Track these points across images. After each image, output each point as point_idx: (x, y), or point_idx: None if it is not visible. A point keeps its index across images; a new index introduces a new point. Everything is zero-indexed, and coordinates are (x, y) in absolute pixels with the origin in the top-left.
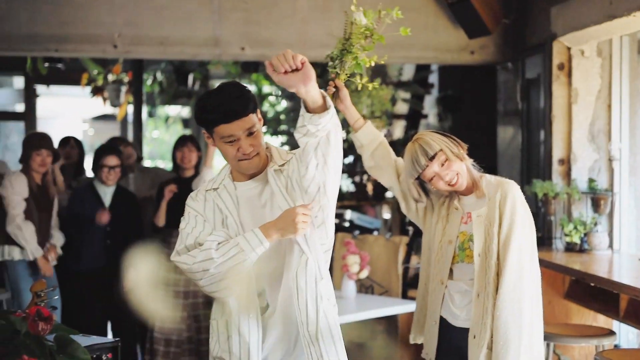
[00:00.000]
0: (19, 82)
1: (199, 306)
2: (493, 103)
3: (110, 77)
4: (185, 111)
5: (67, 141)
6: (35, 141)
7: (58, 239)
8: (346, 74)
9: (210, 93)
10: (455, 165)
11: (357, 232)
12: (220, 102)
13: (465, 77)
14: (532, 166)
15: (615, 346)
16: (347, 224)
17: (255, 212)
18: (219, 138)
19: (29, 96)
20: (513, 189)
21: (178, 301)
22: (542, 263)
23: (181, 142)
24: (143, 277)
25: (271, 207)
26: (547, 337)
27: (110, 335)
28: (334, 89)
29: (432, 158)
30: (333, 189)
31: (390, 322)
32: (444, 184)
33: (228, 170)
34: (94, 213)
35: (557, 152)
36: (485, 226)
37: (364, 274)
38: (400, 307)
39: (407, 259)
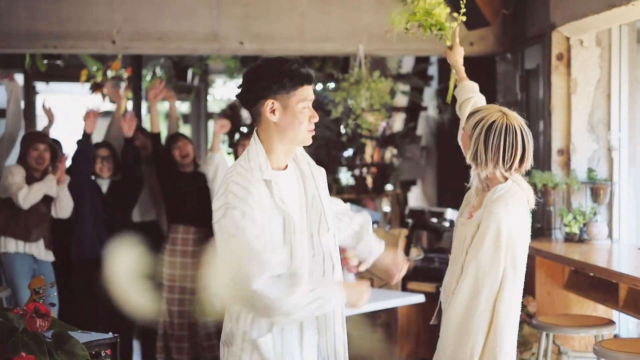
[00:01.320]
0: (18, 79)
1: (194, 302)
2: (492, 94)
3: (110, 74)
4: (184, 106)
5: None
6: (31, 137)
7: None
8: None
9: (277, 59)
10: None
11: None
12: (300, 64)
13: (464, 68)
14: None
15: (615, 336)
16: None
17: (296, 202)
18: (296, 102)
19: (29, 93)
20: (496, 212)
21: (173, 295)
22: (542, 254)
23: (174, 138)
24: (123, 268)
25: (305, 195)
26: (547, 327)
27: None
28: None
29: None
30: None
31: (390, 315)
32: None
33: (264, 159)
34: (91, 203)
35: (557, 143)
36: (462, 234)
37: (364, 267)
38: (400, 300)
39: (406, 251)
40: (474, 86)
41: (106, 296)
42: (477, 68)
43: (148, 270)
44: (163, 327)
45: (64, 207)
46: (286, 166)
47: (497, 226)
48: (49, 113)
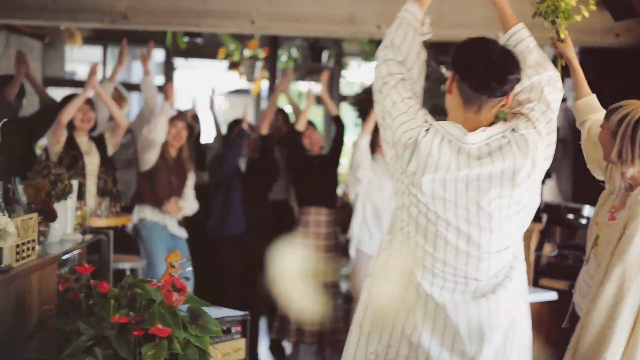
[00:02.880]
0: (158, 55)
1: (338, 296)
2: (637, 88)
3: (247, 53)
4: (317, 88)
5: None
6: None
7: (189, 208)
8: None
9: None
10: None
11: None
12: None
13: (608, 60)
14: None
15: None
16: None
17: None
18: None
19: (168, 69)
20: None
21: (325, 292)
22: None
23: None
24: (289, 269)
25: None
26: None
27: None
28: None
29: None
30: None
31: None
32: None
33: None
34: (232, 180)
35: None
36: (609, 234)
37: None
38: (531, 296)
39: (539, 247)
40: (591, 101)
41: (238, 273)
42: (622, 60)
43: (311, 271)
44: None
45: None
46: None
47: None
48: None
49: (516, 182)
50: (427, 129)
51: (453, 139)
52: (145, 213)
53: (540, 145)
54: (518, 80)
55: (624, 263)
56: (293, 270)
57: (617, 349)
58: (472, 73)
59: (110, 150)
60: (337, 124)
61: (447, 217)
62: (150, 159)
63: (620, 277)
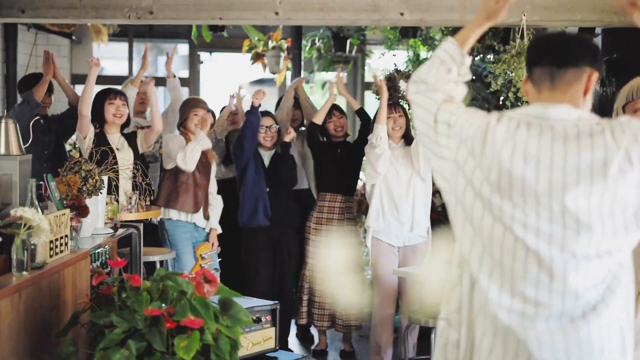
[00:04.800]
0: (183, 49)
1: (363, 283)
2: None
3: (270, 44)
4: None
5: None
6: (192, 102)
7: (217, 204)
8: None
9: None
10: None
11: None
12: None
13: (632, 40)
14: None
15: None
16: None
17: None
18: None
19: (193, 63)
20: None
21: (325, 288)
22: None
23: (329, 112)
24: (339, 263)
25: None
26: None
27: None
28: None
29: None
30: None
31: None
32: None
33: None
34: (255, 173)
35: None
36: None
37: None
38: None
39: None
40: None
41: (267, 263)
42: None
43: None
44: (308, 292)
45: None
46: None
47: None
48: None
49: (608, 175)
50: (499, 118)
51: (533, 119)
52: (172, 215)
53: None
54: (588, 56)
55: None
56: (336, 259)
57: None
58: (533, 52)
59: (141, 150)
60: (361, 117)
61: (526, 218)
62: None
63: None
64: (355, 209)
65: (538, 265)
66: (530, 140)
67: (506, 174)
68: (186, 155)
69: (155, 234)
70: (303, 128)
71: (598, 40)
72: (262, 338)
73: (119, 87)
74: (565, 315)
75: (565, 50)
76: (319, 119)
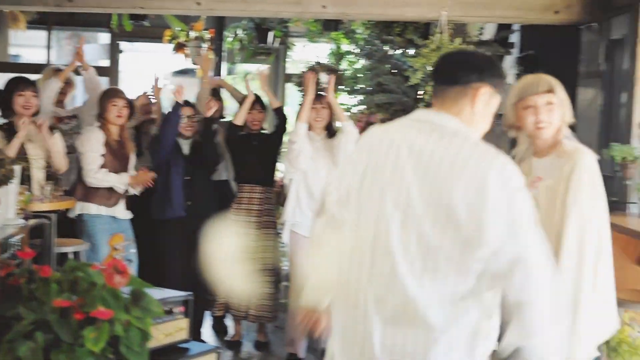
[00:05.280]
0: (104, 38)
1: (277, 274)
2: (574, 64)
3: (192, 34)
4: (264, 69)
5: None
6: (111, 93)
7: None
8: None
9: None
10: (555, 115)
11: None
12: None
13: (547, 37)
14: (612, 129)
15: None
16: None
17: None
18: (496, 101)
19: (114, 52)
20: (585, 161)
21: (265, 278)
22: (615, 228)
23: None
24: (223, 251)
25: None
26: (618, 303)
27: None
28: None
29: (547, 91)
30: None
31: None
32: (532, 121)
33: None
34: (174, 163)
35: (638, 116)
36: (550, 198)
37: None
38: None
39: None
40: None
41: (182, 254)
42: (560, 37)
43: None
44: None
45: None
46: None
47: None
48: None
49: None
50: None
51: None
52: (90, 210)
53: None
54: (474, 73)
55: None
56: (227, 249)
57: (589, 302)
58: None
59: None
60: (279, 115)
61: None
62: None
63: (578, 231)
64: (275, 200)
65: None
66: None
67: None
68: (98, 180)
69: (74, 226)
70: (224, 119)
71: (516, 37)
72: (174, 329)
73: (32, 76)
74: None
75: (450, 70)
76: (239, 120)
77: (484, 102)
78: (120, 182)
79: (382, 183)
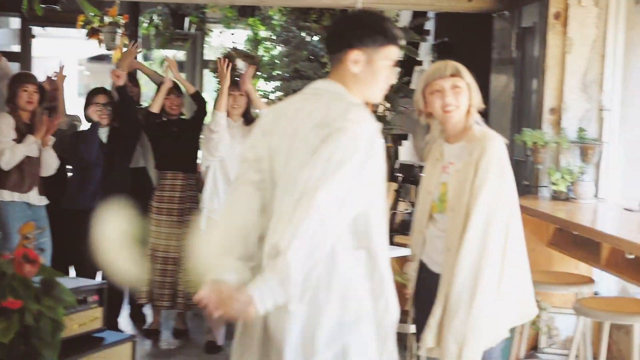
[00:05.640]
0: (15, 22)
1: (179, 272)
2: (487, 51)
3: (107, 19)
4: (180, 54)
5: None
6: (21, 78)
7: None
8: None
9: (375, 13)
10: (461, 98)
11: None
12: (393, 24)
13: (461, 25)
14: (524, 114)
15: (595, 294)
16: None
17: None
18: (380, 59)
19: (25, 37)
20: (493, 145)
21: (166, 267)
22: (528, 211)
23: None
24: (114, 234)
25: None
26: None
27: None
28: None
29: (452, 75)
30: None
31: None
32: (440, 105)
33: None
34: (89, 152)
35: (549, 101)
36: (459, 181)
37: None
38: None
39: (395, 205)
40: None
41: (95, 242)
42: (473, 24)
43: (139, 235)
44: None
45: (46, 167)
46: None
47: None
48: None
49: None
50: None
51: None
52: (4, 196)
53: None
54: (344, 39)
55: (486, 193)
56: (124, 235)
57: (491, 284)
58: None
59: None
60: (196, 101)
61: None
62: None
63: (485, 213)
64: (197, 187)
65: None
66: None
67: None
68: (11, 158)
69: None
70: (140, 106)
71: (431, 24)
72: (88, 318)
73: None
74: None
75: (327, 40)
76: (155, 108)
77: (359, 67)
78: (28, 145)
79: (278, 150)
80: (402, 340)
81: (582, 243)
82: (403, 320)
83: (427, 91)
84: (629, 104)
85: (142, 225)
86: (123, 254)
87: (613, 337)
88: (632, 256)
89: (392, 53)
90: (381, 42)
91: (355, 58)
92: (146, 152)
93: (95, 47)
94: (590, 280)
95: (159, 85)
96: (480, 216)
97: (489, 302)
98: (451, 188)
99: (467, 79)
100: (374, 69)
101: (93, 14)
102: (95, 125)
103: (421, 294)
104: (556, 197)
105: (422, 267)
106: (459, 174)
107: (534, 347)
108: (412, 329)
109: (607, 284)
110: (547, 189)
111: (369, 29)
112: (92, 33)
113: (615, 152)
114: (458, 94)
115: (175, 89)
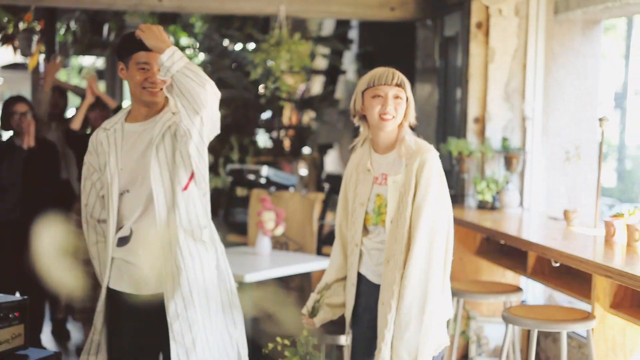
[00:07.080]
0: None
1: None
2: (411, 60)
3: (21, 26)
4: (99, 62)
5: None
6: None
7: None
8: None
9: (129, 33)
10: (400, 110)
11: (273, 189)
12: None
13: (385, 34)
14: (448, 124)
15: (522, 302)
16: (263, 180)
17: (131, 154)
18: (132, 64)
19: None
20: (431, 157)
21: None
22: (455, 221)
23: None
24: (50, 245)
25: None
26: (457, 293)
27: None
28: None
29: (397, 85)
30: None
31: (303, 279)
32: (378, 110)
33: (125, 112)
34: (9, 162)
35: (473, 111)
36: (400, 193)
37: (279, 231)
38: (314, 264)
39: (322, 216)
40: None
41: (17, 258)
42: (397, 33)
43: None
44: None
45: None
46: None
47: (432, 165)
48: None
49: None
50: None
51: None
52: None
53: None
54: None
55: (430, 206)
56: (58, 248)
57: (437, 293)
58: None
59: None
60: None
61: None
62: None
63: (429, 226)
64: None
65: None
66: None
67: None
68: None
69: None
70: (66, 116)
71: (354, 33)
72: (9, 335)
73: None
74: None
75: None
76: (76, 124)
77: (124, 77)
78: None
79: None
80: (339, 352)
81: (509, 252)
82: (338, 331)
83: (369, 94)
84: (551, 113)
85: (68, 237)
86: (57, 265)
87: (541, 345)
88: (557, 264)
89: (140, 57)
90: (127, 53)
91: (119, 70)
92: (69, 164)
93: (10, 55)
94: (517, 289)
95: (83, 97)
96: (425, 230)
97: (437, 311)
98: (391, 200)
99: (409, 92)
100: (131, 80)
101: (7, 20)
102: (14, 139)
103: (361, 306)
104: (482, 206)
105: (362, 280)
106: (400, 186)
107: (464, 356)
108: (347, 340)
109: (534, 292)
110: (473, 198)
111: (120, 46)
112: (6, 40)
113: (538, 161)
114: (398, 104)
115: (100, 102)
